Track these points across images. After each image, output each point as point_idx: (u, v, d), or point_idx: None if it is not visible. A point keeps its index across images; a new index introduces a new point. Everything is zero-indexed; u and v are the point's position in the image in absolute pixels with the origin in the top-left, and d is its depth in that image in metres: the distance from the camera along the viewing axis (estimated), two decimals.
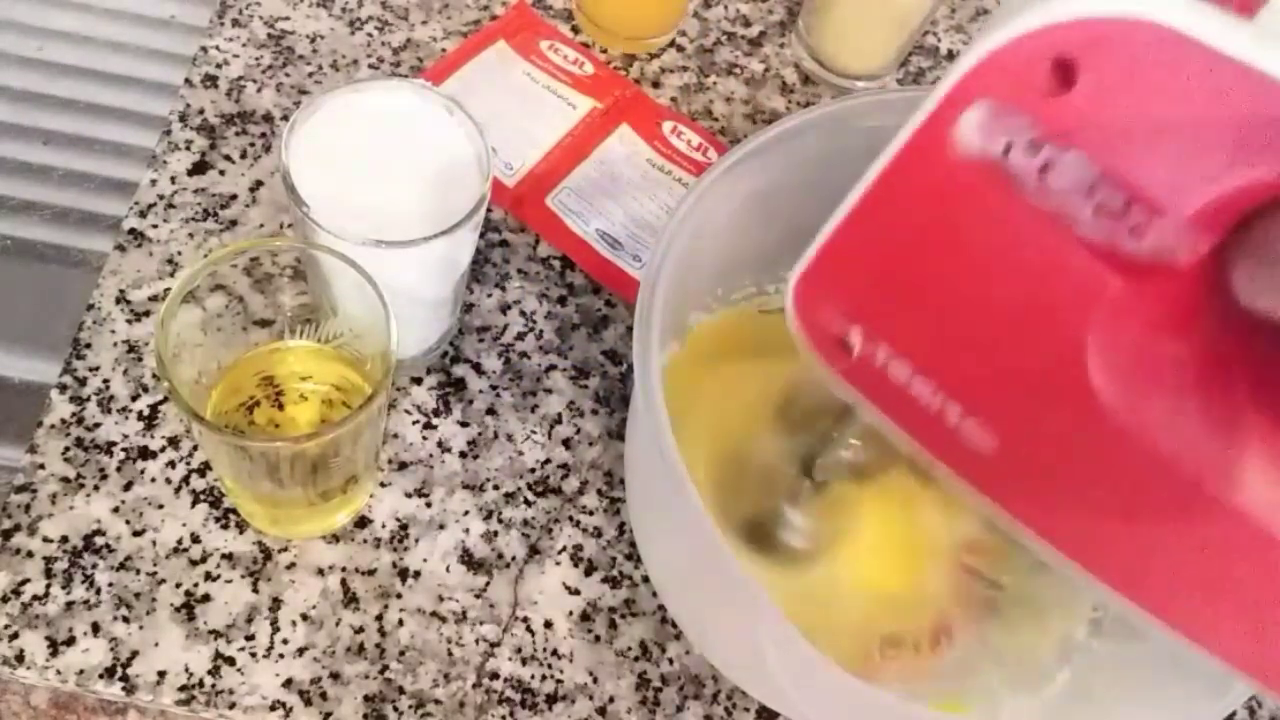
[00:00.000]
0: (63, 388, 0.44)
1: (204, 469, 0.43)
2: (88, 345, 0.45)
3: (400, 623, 0.42)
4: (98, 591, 0.40)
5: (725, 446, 0.43)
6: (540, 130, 0.55)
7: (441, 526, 0.44)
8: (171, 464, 0.43)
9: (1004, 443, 0.29)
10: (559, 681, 0.42)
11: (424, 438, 0.46)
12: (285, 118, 0.53)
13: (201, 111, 0.52)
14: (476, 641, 0.42)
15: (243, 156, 0.51)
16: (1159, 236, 0.25)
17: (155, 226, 0.48)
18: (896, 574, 0.43)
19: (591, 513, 0.45)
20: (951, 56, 0.63)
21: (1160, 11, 0.23)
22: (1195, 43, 0.22)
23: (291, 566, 0.42)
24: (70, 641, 0.39)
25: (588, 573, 0.44)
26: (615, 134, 0.56)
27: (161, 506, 0.42)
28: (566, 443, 0.47)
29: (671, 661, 0.43)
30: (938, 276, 0.29)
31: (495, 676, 0.41)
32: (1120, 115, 0.24)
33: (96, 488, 0.42)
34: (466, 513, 0.44)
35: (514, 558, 0.44)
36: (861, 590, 0.42)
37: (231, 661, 0.40)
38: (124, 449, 0.43)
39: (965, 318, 0.29)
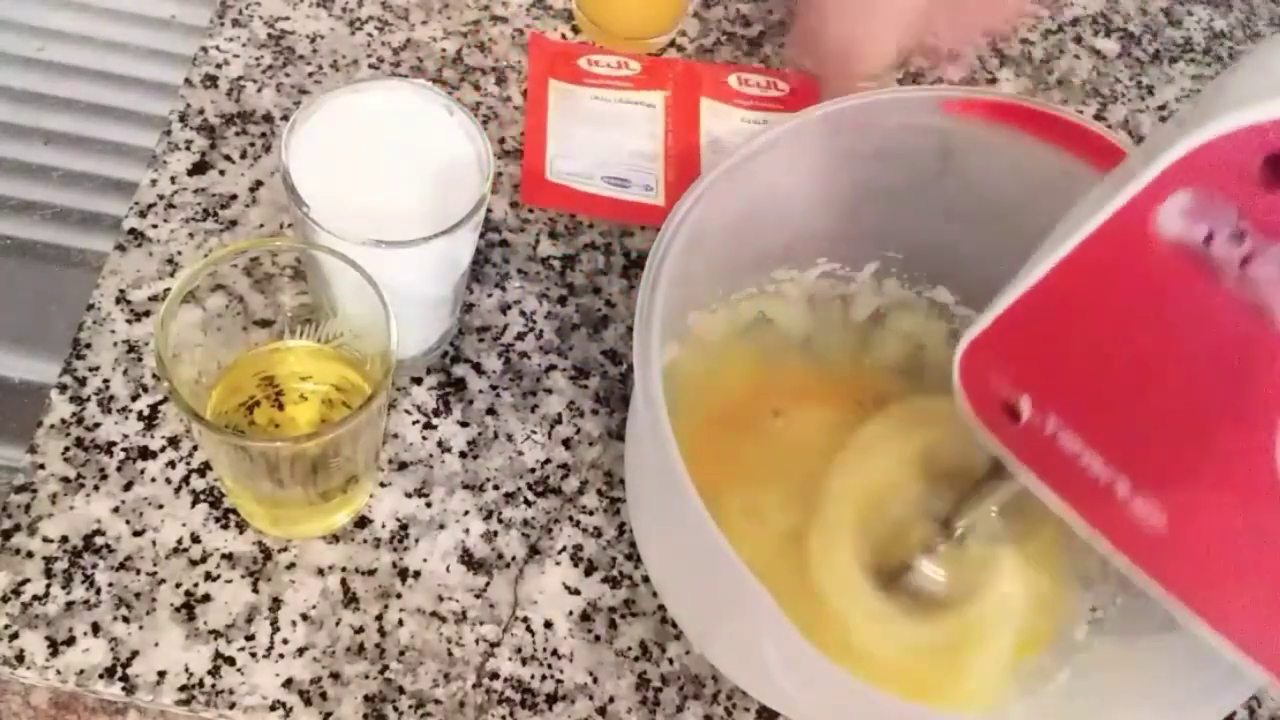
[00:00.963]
0: (63, 388, 0.44)
1: (204, 469, 0.43)
2: (88, 345, 0.45)
3: (400, 623, 0.42)
4: (98, 591, 0.40)
5: (872, 488, 0.43)
6: (644, 142, 0.55)
7: (441, 526, 0.44)
8: (171, 464, 0.43)
9: (1174, 524, 0.29)
10: (559, 681, 0.42)
11: (424, 438, 0.46)
12: (285, 118, 0.53)
13: (201, 111, 0.52)
14: (476, 641, 0.42)
15: (243, 156, 0.51)
16: None
17: (155, 226, 0.48)
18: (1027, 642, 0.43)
19: (591, 513, 0.45)
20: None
21: None
22: None
23: (291, 566, 0.42)
24: (70, 641, 0.39)
25: (588, 573, 0.44)
26: (703, 112, 0.57)
27: (161, 506, 0.42)
28: (566, 443, 0.47)
29: (671, 661, 0.43)
30: (1121, 355, 0.29)
31: (495, 676, 0.41)
32: None
33: (96, 488, 0.42)
34: (466, 513, 0.44)
35: (514, 558, 0.44)
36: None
37: (231, 661, 0.40)
38: (124, 449, 0.43)
39: (1147, 399, 0.29)
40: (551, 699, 0.41)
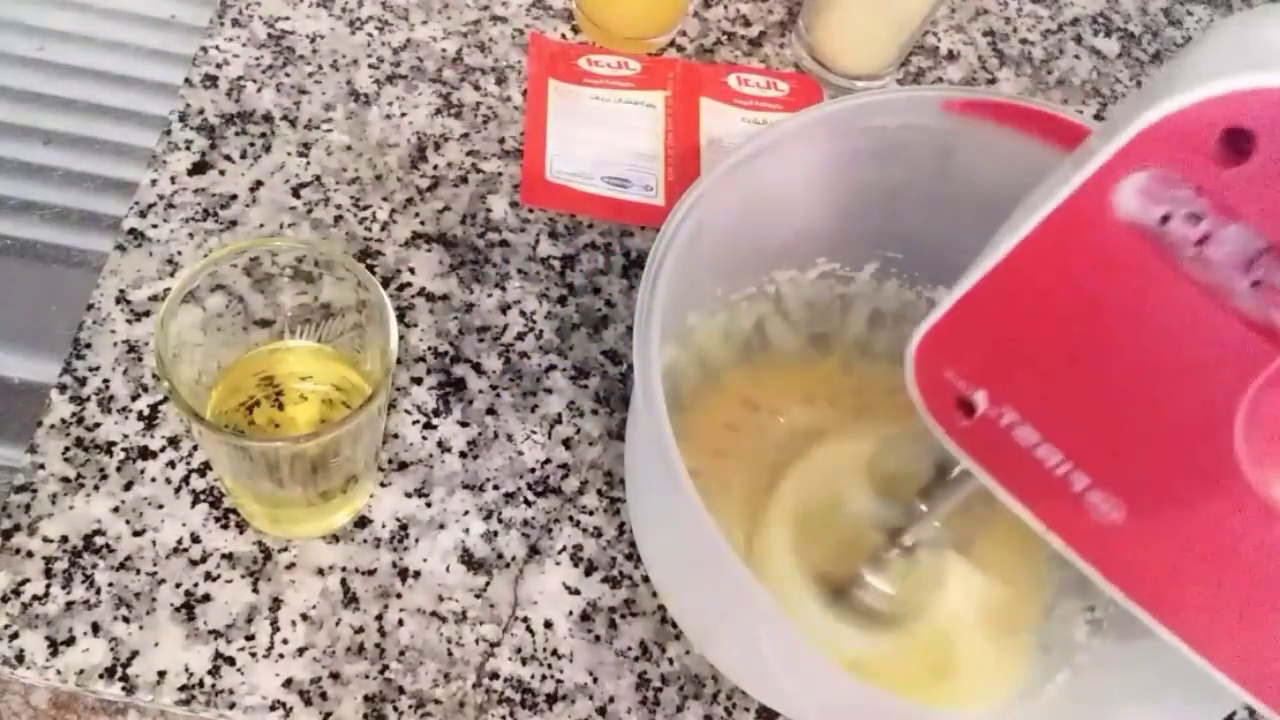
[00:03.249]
0: (63, 388, 0.44)
1: (204, 469, 0.43)
2: (88, 345, 0.45)
3: (400, 623, 0.42)
4: (98, 591, 0.40)
5: (814, 492, 0.43)
6: (644, 142, 0.55)
7: (441, 526, 0.44)
8: (171, 464, 0.43)
9: (1131, 517, 0.29)
10: (559, 681, 0.42)
11: (424, 438, 0.46)
12: (285, 118, 0.53)
13: (201, 111, 0.52)
14: (476, 641, 0.42)
15: (243, 156, 0.51)
16: None
17: (155, 226, 0.48)
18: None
19: (591, 513, 0.45)
20: (952, 56, 0.63)
21: None
22: None
23: (291, 566, 0.42)
24: (70, 641, 0.39)
25: (588, 573, 0.44)
26: (703, 111, 0.57)
27: (161, 506, 0.42)
28: (566, 443, 0.47)
29: (671, 661, 0.43)
30: (1078, 342, 0.28)
31: (495, 676, 0.41)
32: None
33: (96, 488, 0.42)
34: (466, 513, 0.44)
35: (514, 558, 0.44)
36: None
37: (231, 661, 0.40)
38: (124, 449, 0.43)
39: (1105, 388, 0.28)
40: (551, 699, 0.41)
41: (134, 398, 0.44)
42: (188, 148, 0.51)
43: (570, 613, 0.43)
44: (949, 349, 0.31)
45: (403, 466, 0.45)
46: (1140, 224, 0.26)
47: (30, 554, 0.41)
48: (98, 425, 0.43)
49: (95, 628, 0.40)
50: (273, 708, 0.39)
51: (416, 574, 0.43)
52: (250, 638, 0.40)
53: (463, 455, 0.46)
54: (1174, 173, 0.25)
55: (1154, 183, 0.25)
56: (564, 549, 0.44)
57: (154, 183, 0.50)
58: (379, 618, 0.42)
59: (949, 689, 0.42)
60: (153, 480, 0.43)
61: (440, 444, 0.46)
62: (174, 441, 0.44)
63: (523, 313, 0.50)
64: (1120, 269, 0.26)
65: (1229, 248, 0.25)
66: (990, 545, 0.43)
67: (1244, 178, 0.24)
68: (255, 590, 0.41)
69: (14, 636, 0.39)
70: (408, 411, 0.46)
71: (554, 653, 0.42)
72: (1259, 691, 0.29)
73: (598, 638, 0.43)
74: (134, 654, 0.39)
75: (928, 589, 0.42)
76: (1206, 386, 0.26)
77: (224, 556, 0.42)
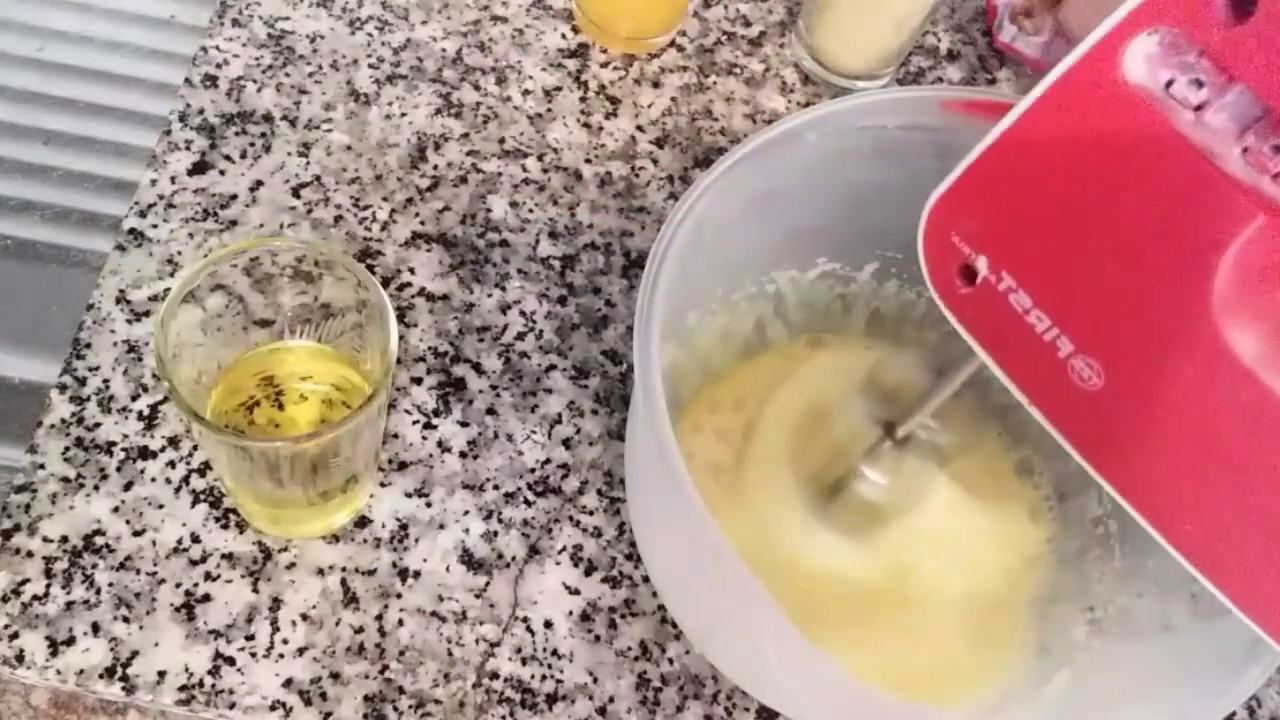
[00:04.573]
0: (63, 388, 0.44)
1: (204, 469, 0.43)
2: (88, 345, 0.45)
3: (400, 623, 0.42)
4: (98, 591, 0.40)
5: (807, 399, 0.44)
6: None
7: (441, 526, 0.44)
8: (171, 464, 0.43)
9: (1109, 382, 0.29)
10: (559, 681, 0.42)
11: (424, 438, 0.46)
12: (285, 118, 0.53)
13: (201, 111, 0.52)
14: (476, 641, 0.42)
15: (243, 156, 0.51)
16: None
17: (155, 226, 0.48)
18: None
19: (591, 513, 0.45)
20: (952, 56, 0.63)
21: None
22: None
23: (291, 566, 0.42)
24: (70, 641, 0.39)
25: (588, 573, 0.44)
26: None
27: (161, 506, 0.42)
28: (566, 443, 0.47)
29: (671, 661, 0.43)
30: (1075, 203, 0.29)
31: (495, 676, 0.41)
32: None
33: (96, 488, 0.42)
34: (466, 513, 0.44)
35: (514, 558, 0.44)
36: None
37: (231, 661, 0.40)
38: (124, 449, 0.43)
39: (1096, 247, 0.29)
40: (551, 699, 0.41)
41: (134, 398, 0.44)
42: (188, 148, 0.51)
43: (570, 613, 0.43)
44: (957, 213, 0.32)
45: (403, 466, 0.45)
46: (1145, 88, 0.27)
47: (30, 554, 0.41)
48: (98, 425, 0.43)
49: (95, 628, 0.40)
50: (273, 708, 0.39)
51: (416, 574, 0.43)
52: (250, 638, 0.40)
53: (463, 455, 0.46)
54: (1180, 33, 0.26)
55: (1161, 47, 0.26)
56: (564, 549, 0.44)
57: (154, 183, 0.50)
58: (379, 618, 0.42)
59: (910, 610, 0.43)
60: (153, 480, 0.43)
61: (440, 444, 0.46)
62: (174, 441, 0.44)
63: (523, 313, 0.50)
64: (1122, 131, 0.27)
65: (1227, 114, 0.26)
66: (970, 468, 0.45)
67: (1244, 36, 0.25)
68: (255, 590, 0.41)
69: (14, 636, 0.39)
70: (408, 411, 0.46)
71: (554, 653, 0.42)
72: (1213, 573, 0.29)
73: (598, 638, 0.43)
74: (134, 654, 0.39)
75: (916, 487, 0.43)
76: (1190, 246, 0.27)
77: (224, 556, 0.42)
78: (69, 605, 0.40)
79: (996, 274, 0.31)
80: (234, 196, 0.50)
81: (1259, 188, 0.26)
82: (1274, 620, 0.29)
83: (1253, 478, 0.28)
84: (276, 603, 0.41)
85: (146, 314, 0.46)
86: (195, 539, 0.42)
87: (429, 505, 0.44)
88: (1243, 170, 0.26)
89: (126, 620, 0.40)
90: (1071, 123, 0.28)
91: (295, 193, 0.51)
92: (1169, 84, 0.26)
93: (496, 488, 0.45)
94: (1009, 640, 0.44)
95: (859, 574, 0.43)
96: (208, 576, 0.41)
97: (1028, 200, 0.30)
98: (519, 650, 0.42)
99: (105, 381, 0.44)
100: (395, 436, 0.46)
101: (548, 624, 0.43)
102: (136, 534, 0.42)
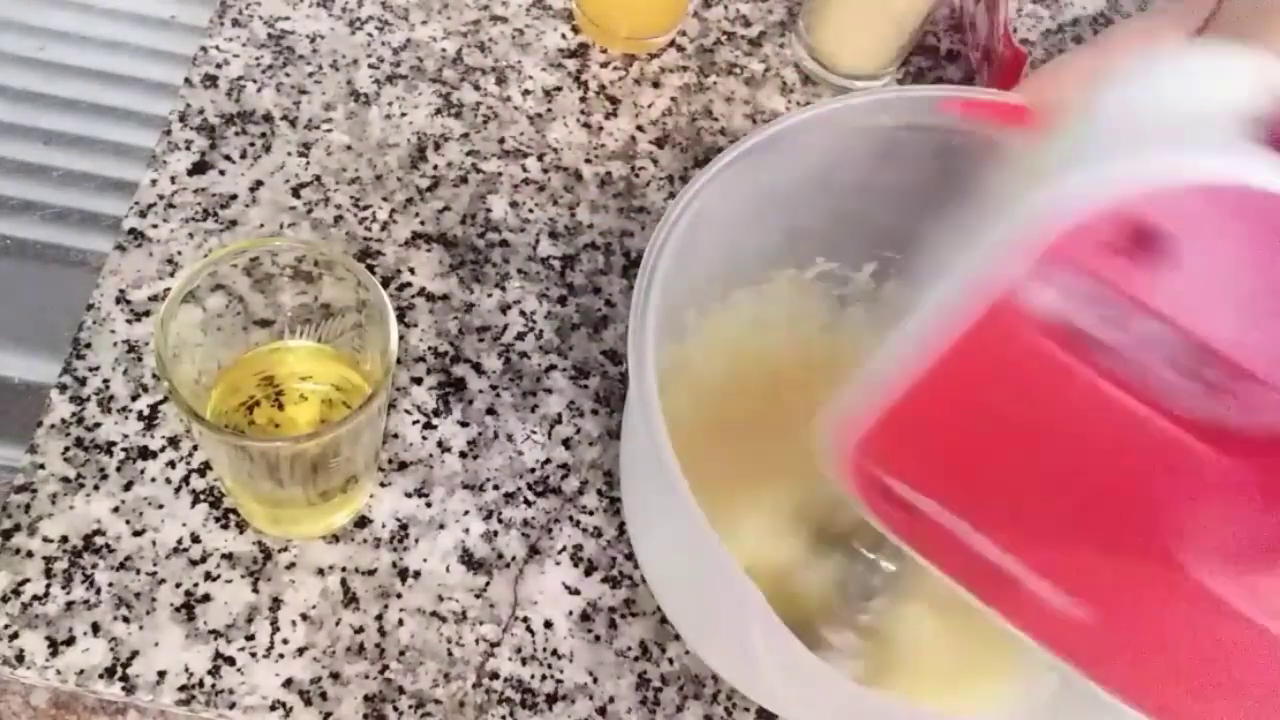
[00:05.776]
0: (63, 388, 0.44)
1: (204, 469, 0.43)
2: (88, 345, 0.45)
3: (400, 623, 0.42)
4: (98, 591, 0.40)
5: (766, 557, 0.43)
6: None
7: (441, 526, 0.44)
8: (171, 464, 0.43)
9: (1084, 608, 0.27)
10: (559, 681, 0.42)
11: (424, 438, 0.46)
12: (285, 118, 0.53)
13: (201, 111, 0.52)
14: (476, 641, 0.42)
15: (243, 156, 0.51)
16: (1260, 408, 0.23)
17: (155, 226, 0.48)
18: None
19: (591, 513, 0.45)
20: (952, 56, 0.63)
21: (1251, 175, 0.21)
22: None
23: (291, 566, 0.42)
24: (70, 641, 0.39)
25: (588, 573, 0.44)
26: None
27: (161, 506, 0.42)
28: (566, 443, 0.47)
29: (671, 661, 0.43)
30: (1012, 446, 0.27)
31: (495, 676, 0.41)
32: (1208, 284, 0.22)
33: (96, 488, 0.42)
34: (466, 513, 0.44)
35: (514, 558, 0.44)
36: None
37: (231, 661, 0.40)
38: (124, 449, 0.43)
39: (1040, 485, 0.27)
40: (551, 699, 0.41)
41: (134, 398, 0.44)
42: (188, 148, 0.51)
43: (570, 613, 0.43)
44: (869, 444, 0.29)
45: (403, 466, 0.45)
46: (1059, 322, 0.24)
47: (30, 554, 0.41)
48: (98, 425, 0.43)
49: (95, 628, 0.40)
50: (273, 708, 0.39)
51: (416, 574, 0.43)
52: (250, 638, 0.40)
53: (463, 455, 0.46)
54: (1085, 274, 0.23)
55: (1067, 284, 0.24)
56: (564, 549, 0.44)
57: (154, 183, 0.50)
58: (379, 618, 0.42)
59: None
60: (153, 480, 0.43)
61: (440, 444, 0.46)
62: (174, 441, 0.44)
63: (523, 313, 0.50)
64: (1045, 370, 0.25)
65: (1155, 345, 0.23)
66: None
67: (1155, 275, 0.22)
68: (255, 590, 0.41)
69: (14, 636, 0.39)
70: (408, 411, 0.46)
71: (554, 653, 0.42)
72: None
73: (598, 638, 0.43)
74: (134, 654, 0.39)
75: (890, 647, 0.42)
76: (1148, 487, 0.25)
77: (224, 556, 0.42)
78: (69, 605, 0.40)
79: (927, 501, 0.29)
80: (234, 196, 0.50)
81: (1212, 415, 0.23)
82: None
83: (1255, 694, 0.26)
84: (276, 603, 0.41)
85: (146, 314, 0.46)
86: (195, 539, 0.42)
87: (429, 505, 0.44)
88: (1192, 399, 0.23)
89: (126, 620, 0.40)
90: (989, 365, 0.26)
91: (295, 193, 0.51)
92: (1081, 317, 0.24)
93: (496, 488, 0.45)
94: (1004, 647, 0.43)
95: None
96: (208, 576, 0.41)
97: (952, 438, 0.28)
98: (519, 650, 0.42)
99: (105, 381, 0.44)
100: (395, 436, 0.46)
101: (548, 624, 0.43)
102: (136, 534, 0.42)
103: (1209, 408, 0.23)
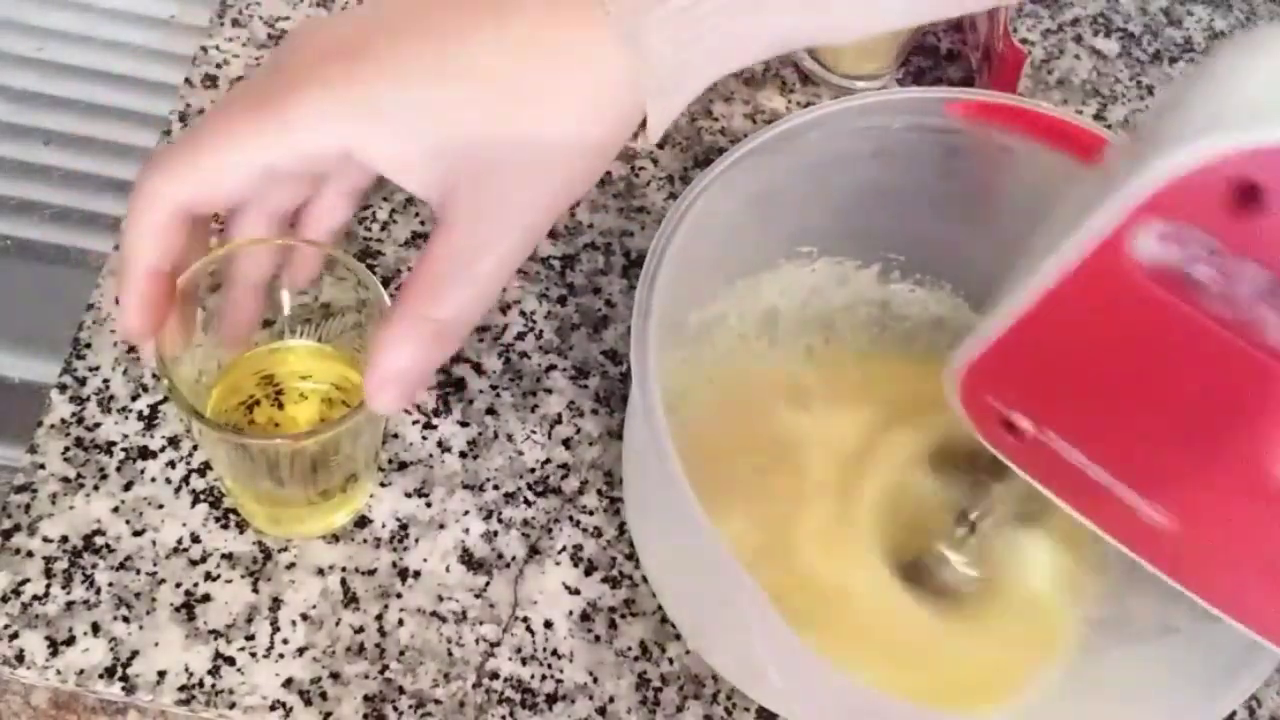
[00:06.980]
0: (63, 388, 0.44)
1: (204, 469, 0.43)
2: (88, 345, 0.45)
3: (400, 623, 0.42)
4: (98, 591, 0.40)
5: (885, 483, 0.44)
6: None
7: (441, 526, 0.44)
8: (171, 464, 0.43)
9: (1182, 525, 0.30)
10: (559, 681, 0.42)
11: (424, 438, 0.46)
12: None
13: (201, 111, 0.52)
14: (476, 641, 0.42)
15: None
16: None
17: None
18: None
19: (591, 513, 0.45)
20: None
21: None
22: None
23: (291, 566, 0.42)
24: (70, 641, 0.39)
25: (588, 573, 0.44)
26: None
27: (161, 506, 0.42)
28: (566, 443, 0.47)
29: (671, 661, 0.43)
30: (1113, 375, 0.30)
31: (495, 676, 0.41)
32: None
33: (96, 488, 0.42)
34: (466, 513, 0.44)
35: (514, 558, 0.44)
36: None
37: (231, 661, 0.40)
38: (124, 449, 0.43)
39: (1143, 416, 0.29)
40: (551, 699, 0.41)
41: (134, 398, 0.44)
42: None
43: (570, 613, 0.43)
44: (988, 379, 0.32)
45: (403, 466, 0.45)
46: (1163, 266, 0.27)
47: (30, 554, 0.41)
48: (98, 425, 0.43)
49: (95, 628, 0.40)
50: (273, 708, 0.39)
51: (416, 574, 0.43)
52: (250, 638, 0.40)
53: (463, 455, 0.46)
54: (1189, 225, 0.26)
55: (1170, 230, 0.26)
56: (564, 549, 0.44)
57: None
58: (379, 618, 0.42)
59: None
60: (153, 480, 0.43)
61: (440, 444, 0.46)
62: (174, 441, 0.44)
63: (523, 313, 0.50)
64: (1149, 308, 0.27)
65: (1253, 284, 0.26)
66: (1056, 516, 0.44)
67: (1255, 227, 0.25)
68: (255, 590, 0.41)
69: (14, 636, 0.39)
70: (408, 411, 0.46)
71: (554, 653, 0.42)
72: None
73: (598, 638, 0.43)
74: (134, 654, 0.39)
75: (1003, 565, 0.43)
76: (1238, 410, 0.27)
77: (224, 556, 0.42)
78: (69, 605, 0.40)
79: (1042, 431, 0.32)
80: None
81: None
82: None
83: None
84: (276, 603, 0.41)
85: None
86: (195, 539, 0.42)
87: (429, 505, 0.44)
88: (1272, 334, 0.26)
89: (126, 620, 0.40)
90: (1093, 304, 0.29)
91: None
92: (1187, 260, 0.26)
93: (496, 488, 0.45)
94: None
95: (956, 641, 0.42)
96: (208, 576, 0.41)
97: (1063, 370, 0.31)
98: (519, 650, 0.42)
99: (105, 381, 0.44)
100: (395, 436, 0.46)
101: (548, 624, 0.43)
102: (136, 534, 0.42)
103: None
